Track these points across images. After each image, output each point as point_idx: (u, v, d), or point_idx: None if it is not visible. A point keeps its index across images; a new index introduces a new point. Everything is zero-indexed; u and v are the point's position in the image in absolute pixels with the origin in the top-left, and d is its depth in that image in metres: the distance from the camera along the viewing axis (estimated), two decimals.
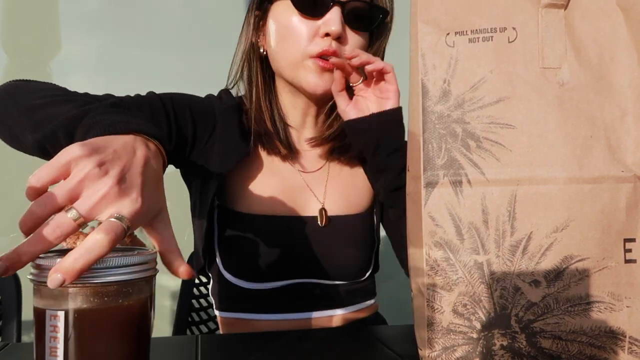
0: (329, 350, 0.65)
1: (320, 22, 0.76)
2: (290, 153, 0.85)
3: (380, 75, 0.75)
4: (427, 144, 0.51)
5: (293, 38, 0.77)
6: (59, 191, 0.42)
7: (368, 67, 0.73)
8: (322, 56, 0.76)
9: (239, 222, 0.81)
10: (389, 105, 0.75)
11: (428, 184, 0.51)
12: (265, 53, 0.83)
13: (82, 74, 1.61)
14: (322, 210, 0.85)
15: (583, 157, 0.48)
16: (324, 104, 0.86)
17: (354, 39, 0.78)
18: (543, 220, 0.48)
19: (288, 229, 0.82)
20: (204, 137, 0.81)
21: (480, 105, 0.51)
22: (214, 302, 0.88)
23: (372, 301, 0.92)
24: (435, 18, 0.52)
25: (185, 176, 0.89)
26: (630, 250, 0.47)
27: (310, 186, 0.86)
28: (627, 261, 0.47)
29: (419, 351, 0.53)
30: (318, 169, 0.88)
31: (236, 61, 0.86)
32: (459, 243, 0.49)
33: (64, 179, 0.44)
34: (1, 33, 1.54)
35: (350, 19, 0.77)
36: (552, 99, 0.49)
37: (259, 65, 0.83)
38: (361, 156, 0.87)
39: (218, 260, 0.83)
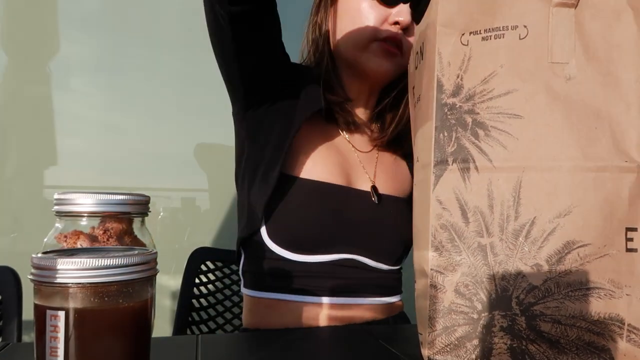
0: (330, 349, 0.66)
1: (392, 10, 0.82)
2: (346, 128, 0.89)
3: None
4: (439, 133, 0.53)
5: (364, 21, 0.82)
6: None
7: None
8: (388, 41, 0.81)
9: (297, 187, 0.81)
10: None
11: (438, 170, 0.53)
12: (328, 33, 0.88)
13: (82, 74, 1.62)
14: (374, 187, 0.87)
15: (587, 147, 0.49)
16: (379, 87, 0.91)
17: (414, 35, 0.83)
18: (546, 206, 0.49)
19: (344, 198, 0.83)
20: (289, 84, 0.85)
21: (489, 96, 0.53)
22: (243, 282, 0.87)
23: (398, 297, 0.92)
24: (453, 21, 0.55)
25: (248, 126, 0.87)
26: (631, 240, 0.48)
27: (363, 164, 0.89)
28: (628, 250, 0.48)
29: (420, 335, 0.54)
30: (369, 151, 0.91)
31: (307, 39, 0.92)
32: (464, 226, 0.51)
33: None
34: (1, 33, 1.57)
35: (418, 15, 0.80)
36: (559, 92, 0.51)
37: (325, 43, 0.88)
38: (405, 152, 0.92)
39: (263, 229, 0.81)
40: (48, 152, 1.55)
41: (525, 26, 0.54)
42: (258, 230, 0.81)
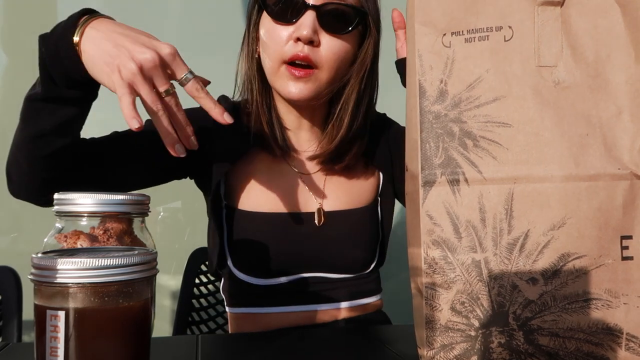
0: (330, 350, 0.66)
1: (292, 27, 0.76)
2: (287, 155, 0.87)
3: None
4: (425, 144, 0.52)
5: (271, 44, 0.78)
6: (149, 97, 0.60)
7: None
8: (295, 62, 0.76)
9: (244, 220, 0.84)
10: None
11: (426, 183, 0.51)
12: (257, 60, 0.84)
13: None
14: (320, 210, 0.87)
15: (579, 155, 0.48)
16: (315, 108, 0.86)
17: (330, 43, 0.77)
18: (540, 218, 0.48)
19: (288, 226, 0.85)
20: (206, 144, 0.81)
21: (476, 104, 0.51)
22: (224, 299, 0.91)
23: (377, 297, 0.93)
24: (432, 19, 0.52)
25: (199, 182, 0.92)
26: (627, 248, 0.47)
27: (308, 187, 0.88)
28: (624, 258, 0.47)
29: (418, 350, 0.54)
30: (315, 172, 0.90)
31: (239, 68, 0.88)
32: (457, 241, 0.50)
33: (135, 92, 0.60)
34: (1, 33, 1.55)
35: (326, 23, 0.76)
36: (548, 98, 0.49)
37: (256, 71, 0.84)
38: (353, 162, 0.89)
39: (228, 258, 0.86)
40: None
41: (510, 27, 0.52)
42: (226, 261, 0.86)
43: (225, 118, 0.64)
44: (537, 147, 0.49)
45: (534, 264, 0.48)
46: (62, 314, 0.39)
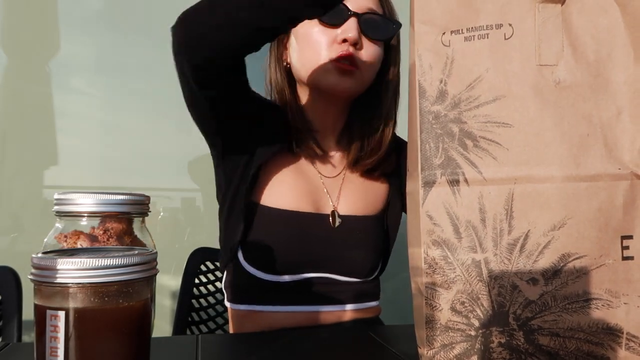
0: (329, 350, 0.66)
1: (339, 30, 0.85)
2: (310, 156, 0.93)
3: None
4: (425, 144, 0.51)
5: (315, 46, 0.86)
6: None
7: None
8: (341, 59, 0.84)
9: (266, 216, 0.87)
10: None
11: (426, 184, 0.51)
12: (288, 66, 0.93)
13: (82, 74, 1.60)
14: (334, 212, 0.91)
15: (580, 155, 0.48)
16: (342, 109, 0.94)
17: (369, 47, 0.87)
18: (540, 219, 0.48)
19: (306, 224, 0.88)
20: (253, 128, 0.89)
21: (476, 104, 0.51)
22: (226, 295, 0.92)
23: (376, 302, 0.96)
24: (432, 17, 0.52)
25: (225, 168, 0.93)
26: (627, 248, 0.47)
27: (327, 189, 0.93)
28: (624, 258, 0.47)
29: (418, 349, 0.54)
30: (335, 176, 0.95)
31: (268, 76, 0.95)
32: (457, 241, 0.50)
33: None
34: (1, 33, 1.54)
35: (366, 29, 0.86)
36: (548, 97, 0.49)
37: (285, 77, 0.92)
38: (376, 169, 0.95)
39: (239, 252, 0.87)
40: (48, 152, 1.55)
41: (510, 24, 0.51)
42: (236, 254, 0.88)
43: None
44: (538, 147, 0.48)
45: (534, 264, 0.48)
46: (62, 314, 0.39)
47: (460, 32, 0.52)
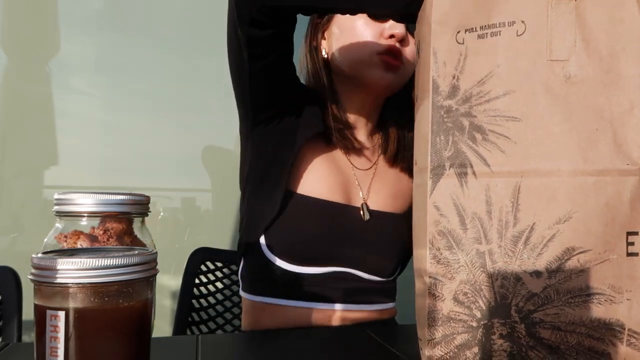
0: (331, 349, 0.66)
1: (386, 25, 0.85)
2: (345, 147, 0.92)
3: None
4: (435, 137, 0.52)
5: (362, 37, 0.85)
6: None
7: None
8: (388, 53, 0.84)
9: (296, 203, 0.85)
10: None
11: (434, 175, 0.51)
12: (327, 55, 0.92)
13: (82, 73, 1.61)
14: (364, 205, 0.90)
15: (588, 150, 0.48)
16: (379, 103, 0.94)
17: (413, 45, 0.87)
18: (546, 212, 0.48)
19: (338, 215, 0.87)
20: (294, 114, 0.88)
21: (487, 99, 0.51)
22: (241, 285, 0.91)
23: (393, 304, 0.95)
24: (447, 18, 0.53)
25: (254, 141, 0.91)
26: (632, 244, 0.47)
27: (359, 181, 0.92)
28: (629, 254, 0.47)
29: (419, 341, 0.54)
30: (367, 169, 0.94)
31: (303, 64, 0.95)
32: (462, 232, 0.50)
33: None
34: (1, 33, 1.55)
35: (411, 27, 0.83)
36: (558, 93, 0.49)
37: (323, 66, 0.91)
38: (409, 166, 0.95)
39: (262, 239, 0.85)
40: (48, 152, 1.55)
41: (523, 21, 0.52)
42: (258, 240, 0.85)
43: None
44: (546, 141, 0.49)
45: (538, 257, 0.48)
46: (62, 314, 0.39)
47: (474, 30, 0.53)
